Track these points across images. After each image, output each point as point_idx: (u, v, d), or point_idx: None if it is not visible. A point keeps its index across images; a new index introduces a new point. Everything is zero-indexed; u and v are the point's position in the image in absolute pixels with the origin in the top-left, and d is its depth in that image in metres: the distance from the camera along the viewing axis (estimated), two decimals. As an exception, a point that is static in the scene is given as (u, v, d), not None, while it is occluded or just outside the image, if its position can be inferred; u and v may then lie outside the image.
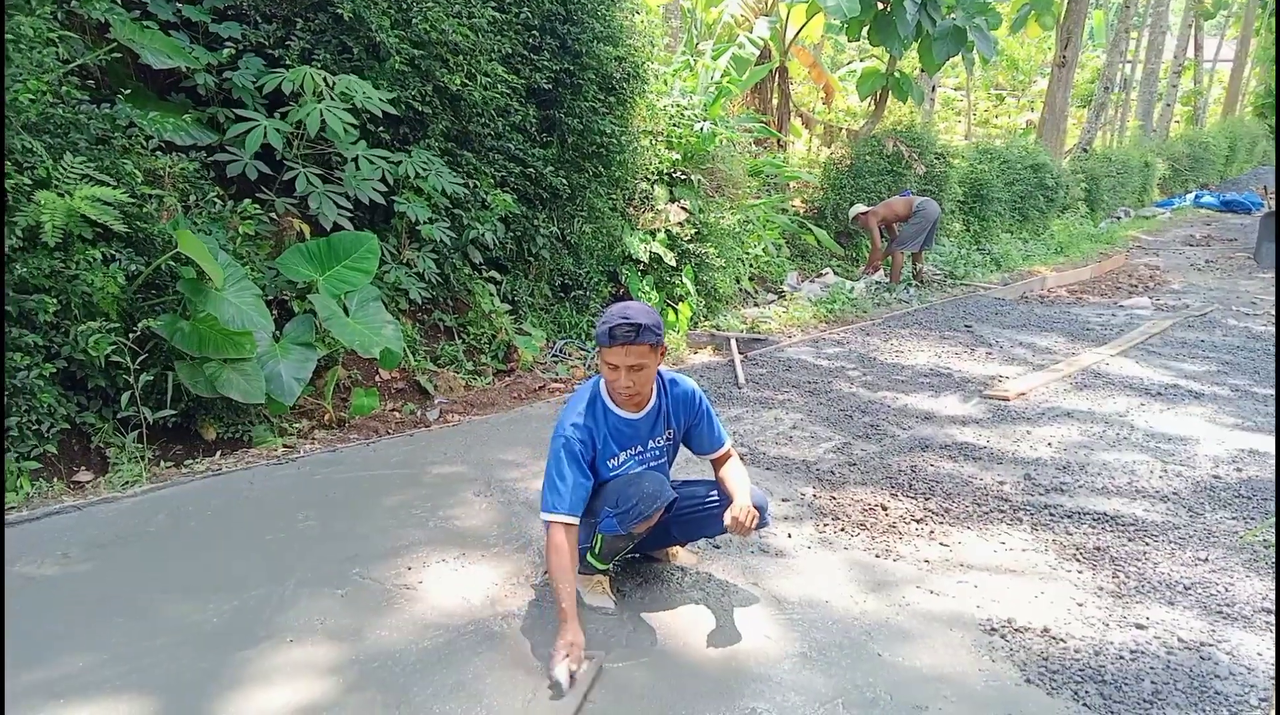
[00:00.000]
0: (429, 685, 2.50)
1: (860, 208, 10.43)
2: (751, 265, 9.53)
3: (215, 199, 4.84)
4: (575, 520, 2.74)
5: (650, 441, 2.99)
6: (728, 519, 2.84)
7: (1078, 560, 3.49)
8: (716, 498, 3.07)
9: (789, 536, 3.62)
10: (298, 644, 2.66)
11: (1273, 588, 3.28)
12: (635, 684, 2.56)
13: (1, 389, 3.79)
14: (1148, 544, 3.64)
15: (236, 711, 2.37)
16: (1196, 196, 22.41)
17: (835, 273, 10.89)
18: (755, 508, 2.86)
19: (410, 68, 5.63)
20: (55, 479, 4.03)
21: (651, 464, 3.02)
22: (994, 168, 13.69)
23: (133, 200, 4.27)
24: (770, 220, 10.08)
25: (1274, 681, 2.58)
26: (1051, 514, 3.92)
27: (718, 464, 3.11)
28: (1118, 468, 4.52)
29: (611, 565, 3.04)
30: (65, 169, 4.04)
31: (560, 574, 2.67)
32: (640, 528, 2.86)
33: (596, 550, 2.95)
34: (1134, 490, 4.23)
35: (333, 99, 5.03)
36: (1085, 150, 19.35)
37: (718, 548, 3.48)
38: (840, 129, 13.61)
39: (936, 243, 11.77)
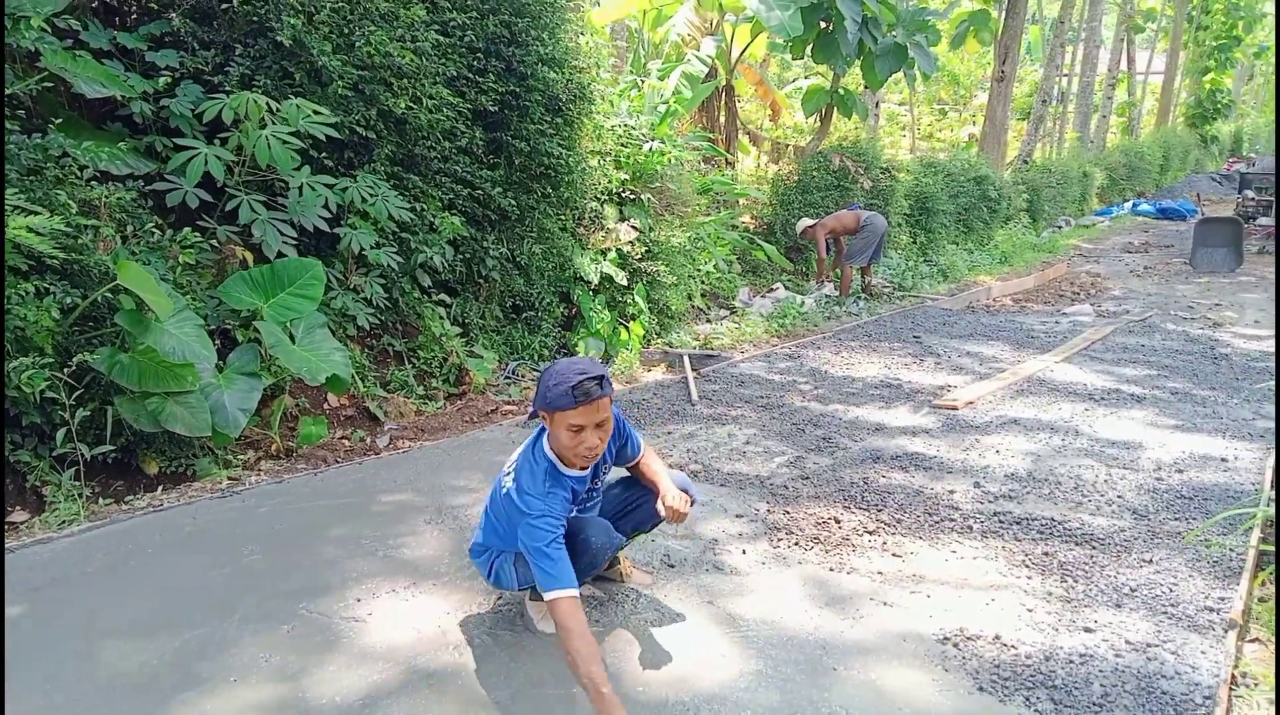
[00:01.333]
0: (379, 720, 2.45)
1: (807, 222, 10.55)
2: (703, 282, 9.57)
3: (154, 229, 4.74)
4: (578, 590, 2.54)
5: (591, 484, 2.93)
6: (662, 510, 2.87)
7: (1027, 566, 3.53)
8: (638, 493, 3.10)
9: (743, 553, 3.62)
10: (242, 684, 2.58)
11: (1213, 587, 3.35)
12: (588, 709, 2.53)
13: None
14: (1094, 548, 3.70)
15: (179, 756, 2.29)
16: (1134, 205, 23.04)
17: (786, 288, 10.98)
18: (681, 490, 2.93)
19: (353, 92, 5.58)
20: (-11, 520, 3.90)
21: (589, 503, 2.98)
22: (938, 181, 13.95)
23: (68, 230, 4.17)
24: (720, 237, 10.15)
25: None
26: (1001, 521, 3.97)
27: (635, 465, 3.10)
28: (1064, 473, 4.60)
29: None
30: (-5, 201, 3.93)
31: (583, 653, 2.38)
32: (591, 576, 2.86)
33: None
34: (1080, 495, 4.31)
35: (275, 125, 4.97)
36: (1026, 162, 19.80)
37: (672, 567, 3.47)
38: (788, 146, 13.75)
39: (885, 255, 11.94)
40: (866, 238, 10.24)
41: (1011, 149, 22.21)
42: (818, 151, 12.32)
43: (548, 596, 2.51)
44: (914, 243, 13.37)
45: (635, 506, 3.12)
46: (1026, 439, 5.19)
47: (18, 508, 4.13)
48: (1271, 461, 4.72)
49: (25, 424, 4.13)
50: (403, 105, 5.82)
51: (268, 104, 4.91)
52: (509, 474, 2.79)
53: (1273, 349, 7.74)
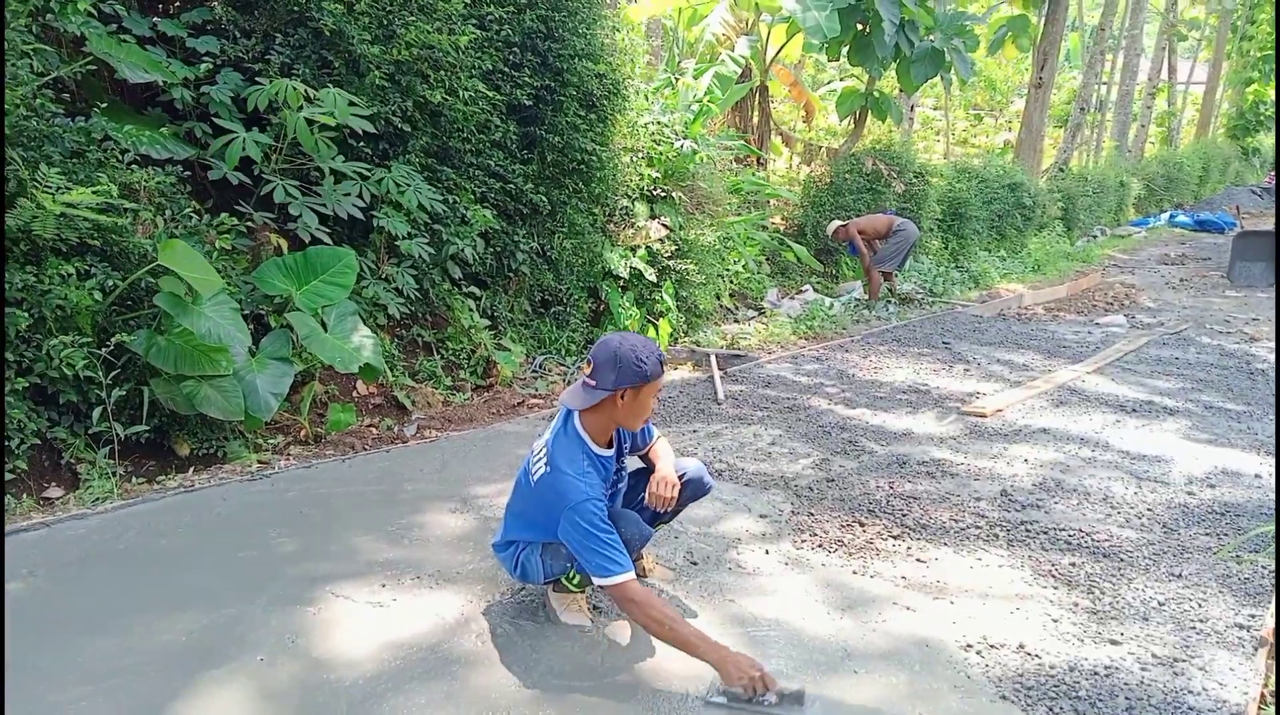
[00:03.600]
0: (403, 705, 2.47)
1: (837, 223, 10.47)
2: (732, 282, 9.56)
3: (191, 213, 4.81)
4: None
5: (618, 465, 2.99)
6: (647, 496, 2.96)
7: (1053, 576, 3.50)
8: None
9: (766, 553, 3.61)
10: (269, 663, 2.62)
11: (1244, 604, 3.30)
12: (607, 704, 2.54)
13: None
14: (1122, 560, 3.66)
15: (204, 732, 2.32)
16: (1171, 216, 22.71)
17: (815, 290, 10.94)
18: (688, 477, 3.06)
19: (390, 83, 5.62)
20: (25, 495, 3.97)
21: (619, 484, 3.04)
22: (972, 186, 13.82)
23: (110, 202, 4.24)
24: (751, 237, 10.13)
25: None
26: (1028, 531, 3.93)
27: (647, 453, 3.13)
28: (1093, 484, 4.55)
29: (587, 587, 3.01)
30: (41, 181, 4.01)
31: (675, 621, 2.59)
32: None
33: (574, 580, 2.93)
34: (1109, 507, 4.26)
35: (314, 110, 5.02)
36: (1062, 169, 19.56)
37: (694, 565, 3.47)
38: (820, 147, 13.70)
39: (915, 260, 11.88)
40: (898, 243, 10.16)
41: (1048, 156, 21.97)
42: (850, 154, 12.25)
43: (614, 580, 2.57)
44: (945, 248, 13.26)
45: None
46: (1055, 449, 5.14)
47: (53, 484, 4.20)
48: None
49: (62, 402, 4.20)
50: (438, 97, 5.85)
51: (305, 92, 4.96)
52: (540, 460, 2.80)
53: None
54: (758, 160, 12.35)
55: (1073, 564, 3.61)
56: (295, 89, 4.88)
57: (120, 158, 4.55)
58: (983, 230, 14.03)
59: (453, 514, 3.84)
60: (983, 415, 5.79)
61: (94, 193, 4.11)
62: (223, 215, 4.86)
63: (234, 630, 2.79)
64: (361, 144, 5.62)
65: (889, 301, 10.48)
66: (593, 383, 2.71)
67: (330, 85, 5.22)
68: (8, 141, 4.00)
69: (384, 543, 3.50)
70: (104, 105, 4.58)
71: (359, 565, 3.29)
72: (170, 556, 3.31)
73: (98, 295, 4.16)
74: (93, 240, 4.28)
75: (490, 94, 6.28)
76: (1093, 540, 3.84)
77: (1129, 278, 13.82)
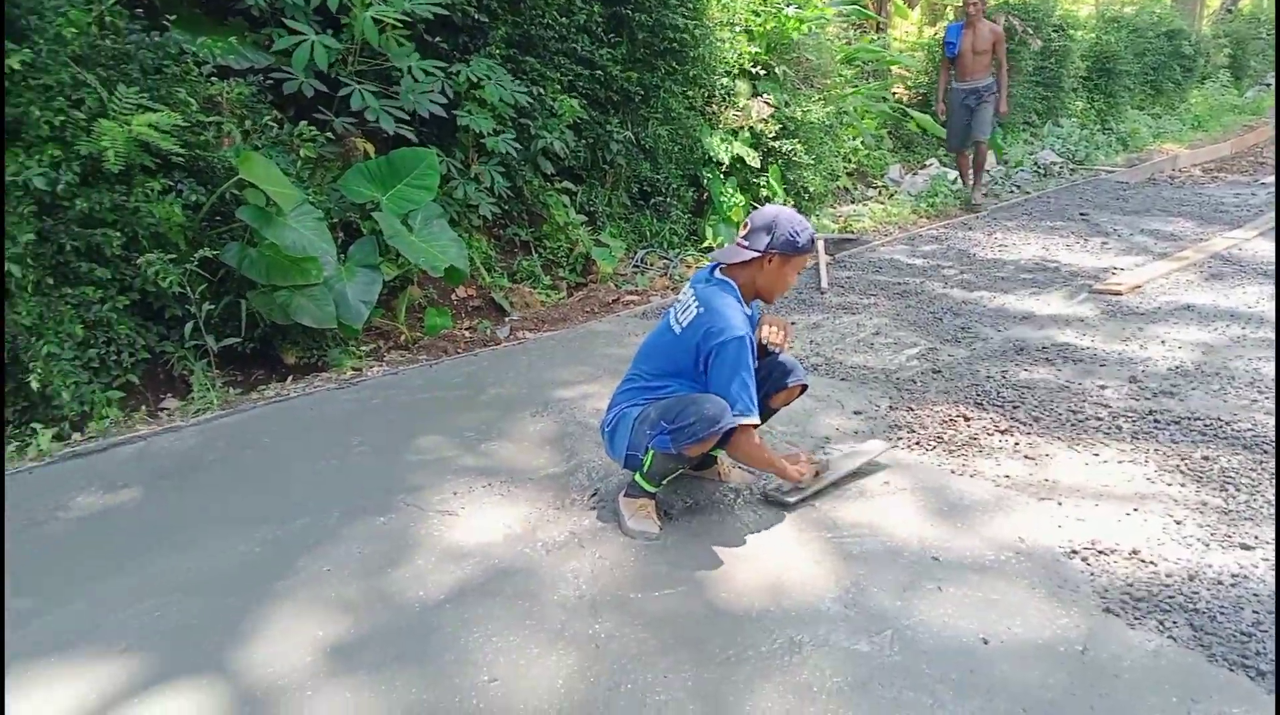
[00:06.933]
0: (458, 617, 2.43)
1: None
2: (848, 160, 9.00)
3: (271, 123, 4.78)
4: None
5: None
6: (762, 335, 2.90)
7: (1181, 472, 3.15)
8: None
9: (856, 452, 3.40)
10: (335, 575, 2.62)
11: None
12: (671, 614, 2.43)
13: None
14: (1265, 452, 3.25)
15: (259, 648, 2.31)
16: (1365, 54, 20.01)
17: (941, 163, 10.21)
18: (783, 359, 3.03)
19: (464, -30, 5.39)
20: (142, 407, 4.14)
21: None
22: (1122, 38, 12.47)
23: (189, 126, 4.26)
24: (868, 110, 9.47)
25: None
26: (1156, 421, 3.55)
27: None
28: (1239, 367, 4.07)
29: (660, 489, 2.89)
30: (120, 100, 4.03)
31: (769, 451, 2.85)
32: (692, 450, 2.71)
33: (645, 468, 2.81)
34: (1256, 391, 3.80)
35: (380, 6, 4.86)
36: (1230, 10, 17.44)
37: (778, 466, 3.30)
38: (946, 6, 12.60)
39: (1056, 125, 10.90)
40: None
41: (1215, -3, 19.60)
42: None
43: (748, 419, 2.70)
44: (1091, 108, 12.10)
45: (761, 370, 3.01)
46: (1200, 327, 4.63)
47: (169, 395, 4.38)
48: None
49: (168, 317, 4.33)
50: (516, -19, 5.59)
51: (372, -14, 4.80)
52: (689, 308, 2.83)
53: None
54: (877, 26, 11.47)
55: (1205, 457, 3.23)
56: (359, -15, 4.72)
57: (200, 71, 4.54)
58: (1134, 86, 12.73)
59: (533, 417, 3.77)
60: (1118, 293, 5.28)
61: (170, 110, 4.12)
62: (301, 124, 4.82)
63: (305, 541, 2.81)
64: (439, 40, 5.45)
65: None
66: (745, 243, 2.80)
67: (401, -22, 5.03)
68: (85, 61, 4.02)
69: (460, 449, 3.47)
70: (174, 18, 4.54)
71: (433, 473, 3.27)
72: (253, 468, 3.37)
73: (179, 209, 4.19)
74: (177, 157, 4.32)
75: (570, -26, 5.96)
76: (1232, 430, 3.44)
77: (1308, 129, 12.31)
